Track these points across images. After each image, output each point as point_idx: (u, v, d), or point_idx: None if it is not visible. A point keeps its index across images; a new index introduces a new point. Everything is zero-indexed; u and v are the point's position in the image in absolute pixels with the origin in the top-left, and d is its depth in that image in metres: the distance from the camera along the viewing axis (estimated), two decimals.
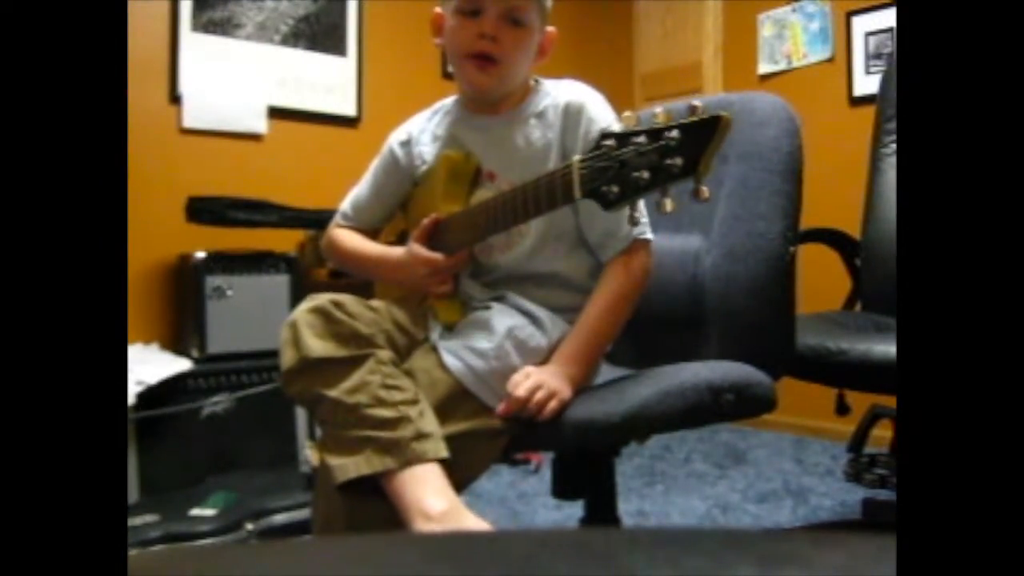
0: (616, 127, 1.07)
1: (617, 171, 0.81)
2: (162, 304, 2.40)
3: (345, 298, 0.98)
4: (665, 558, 0.22)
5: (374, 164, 1.23)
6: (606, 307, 1.03)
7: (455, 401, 0.96)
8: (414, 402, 0.93)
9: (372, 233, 1.23)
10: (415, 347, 1.05)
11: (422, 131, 1.18)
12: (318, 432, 2.20)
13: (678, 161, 0.77)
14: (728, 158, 1.19)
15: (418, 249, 1.07)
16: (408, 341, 1.05)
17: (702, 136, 0.77)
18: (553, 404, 0.94)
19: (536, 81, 1.15)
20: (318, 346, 0.94)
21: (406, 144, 1.19)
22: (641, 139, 0.80)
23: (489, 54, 1.04)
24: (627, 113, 0.84)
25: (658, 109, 0.82)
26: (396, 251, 1.13)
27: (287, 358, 0.97)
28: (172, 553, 0.27)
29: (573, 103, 1.07)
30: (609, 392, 0.98)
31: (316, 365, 0.94)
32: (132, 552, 0.29)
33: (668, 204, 0.80)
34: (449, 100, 1.20)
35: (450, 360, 0.97)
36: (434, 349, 1.02)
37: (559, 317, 1.05)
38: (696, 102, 0.78)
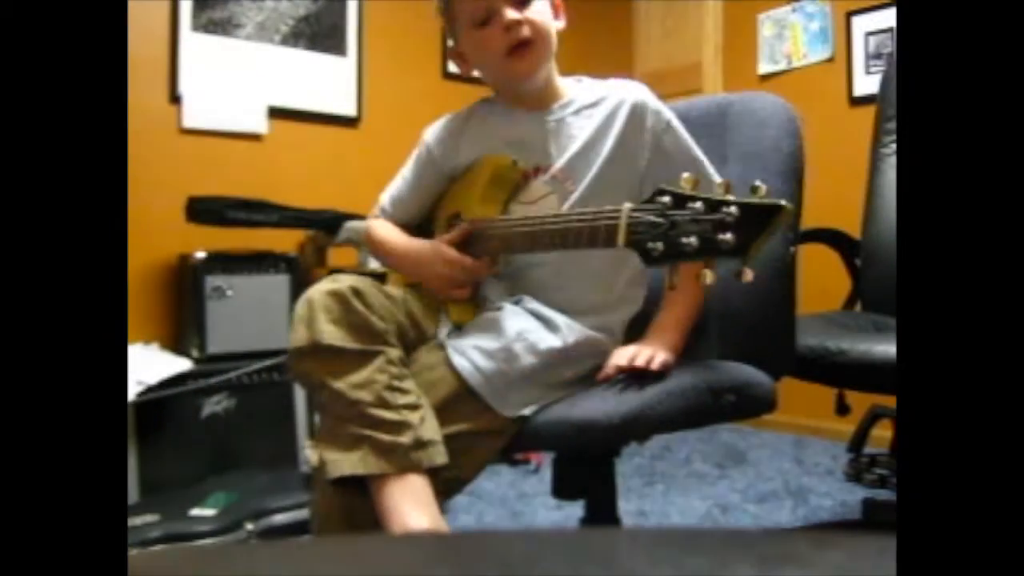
0: (677, 125, 1.09)
1: (665, 230, 0.81)
2: (162, 304, 2.40)
3: (364, 285, 0.97)
4: (665, 558, 0.22)
5: (410, 160, 1.23)
6: (682, 289, 1.07)
7: (457, 400, 0.96)
8: (416, 407, 0.93)
9: (411, 229, 1.23)
10: (423, 342, 1.05)
11: (460, 130, 1.18)
12: (318, 432, 2.20)
13: (730, 239, 0.77)
14: (728, 158, 1.19)
15: (445, 249, 1.07)
16: (418, 334, 1.05)
17: (759, 219, 0.76)
18: (662, 357, 0.98)
19: (579, 81, 1.17)
20: (331, 332, 0.93)
21: (443, 140, 1.18)
22: (698, 205, 0.79)
23: (523, 39, 1.06)
24: (686, 175, 0.83)
25: (718, 179, 0.82)
26: (421, 244, 1.13)
27: (298, 335, 0.96)
28: (172, 553, 0.27)
29: (639, 104, 1.09)
30: (609, 392, 0.98)
31: (325, 351, 0.93)
32: (132, 552, 0.29)
33: (709, 276, 0.80)
34: (485, 100, 1.21)
35: (457, 359, 0.97)
36: (440, 347, 1.01)
37: (579, 322, 1.04)
38: (758, 183, 0.78)
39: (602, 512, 1.14)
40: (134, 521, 1.68)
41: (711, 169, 1.10)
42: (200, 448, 2.02)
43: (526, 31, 1.06)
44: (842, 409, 1.64)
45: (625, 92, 1.11)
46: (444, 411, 0.95)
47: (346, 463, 0.90)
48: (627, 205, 0.85)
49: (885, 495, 2.05)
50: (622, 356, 1.00)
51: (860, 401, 1.88)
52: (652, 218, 0.82)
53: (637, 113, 1.09)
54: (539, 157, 1.10)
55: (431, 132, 1.21)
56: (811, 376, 1.35)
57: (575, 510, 1.19)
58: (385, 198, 1.24)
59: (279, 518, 1.79)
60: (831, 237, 1.77)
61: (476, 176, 1.11)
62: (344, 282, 0.96)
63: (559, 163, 1.09)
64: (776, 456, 2.55)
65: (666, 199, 0.82)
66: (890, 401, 2.17)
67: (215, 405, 2.07)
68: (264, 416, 2.12)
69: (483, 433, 0.96)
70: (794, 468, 2.40)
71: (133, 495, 1.89)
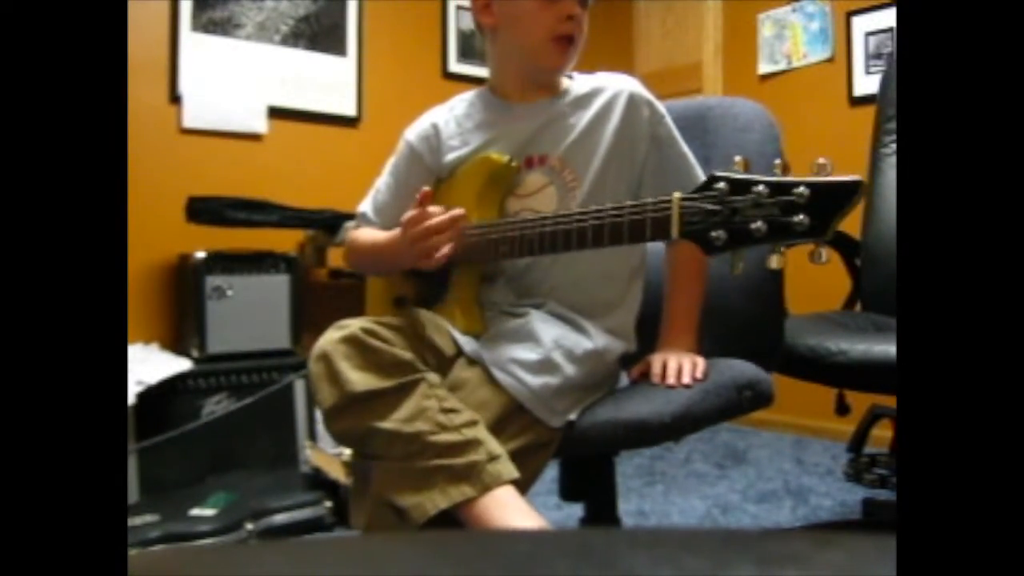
0: (668, 118, 1.09)
1: (726, 217, 0.78)
2: (162, 304, 2.40)
3: (374, 324, 0.92)
4: (665, 558, 0.22)
5: (392, 162, 1.18)
6: (687, 278, 1.09)
7: (507, 418, 0.92)
8: (475, 422, 0.89)
9: None
10: (443, 361, 0.99)
11: (447, 122, 1.14)
12: (318, 432, 2.20)
13: (805, 221, 0.74)
14: (711, 160, 1.20)
15: (408, 214, 0.99)
16: (436, 356, 0.99)
17: (835, 198, 0.74)
18: (701, 365, 1.01)
19: (570, 76, 1.16)
20: (360, 379, 0.88)
21: (430, 137, 1.14)
22: (760, 188, 0.76)
23: (572, 35, 1.07)
24: (738, 158, 0.81)
25: (777, 160, 0.79)
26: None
27: (326, 395, 0.90)
28: (172, 553, 0.27)
29: (636, 95, 1.10)
30: (652, 393, 0.99)
31: (361, 400, 0.88)
32: (132, 552, 0.29)
33: (776, 261, 0.78)
34: (469, 93, 1.18)
35: (502, 377, 0.93)
36: (471, 362, 0.97)
37: (599, 326, 1.03)
38: (822, 159, 0.75)
39: (602, 512, 1.15)
40: (134, 521, 1.69)
41: (695, 162, 1.10)
42: (200, 448, 2.02)
43: (577, 30, 1.07)
44: (842, 409, 1.64)
45: (621, 84, 1.11)
46: (497, 430, 0.91)
47: (427, 503, 0.85)
48: (676, 195, 0.83)
49: (885, 495, 2.05)
50: (671, 373, 1.00)
51: (860, 401, 1.88)
52: (709, 206, 0.79)
53: (635, 104, 1.08)
54: (534, 147, 1.08)
55: (412, 130, 1.17)
56: (811, 376, 1.35)
57: (575, 510, 1.19)
58: (366, 207, 1.18)
59: (279, 518, 1.79)
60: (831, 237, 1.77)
61: (471, 177, 1.07)
62: (353, 325, 0.91)
63: (556, 152, 1.06)
64: (776, 456, 2.55)
65: (722, 185, 0.79)
66: (890, 401, 2.17)
67: (215, 405, 2.07)
68: (264, 416, 2.12)
69: (535, 446, 0.93)
70: (794, 468, 2.40)
71: (133, 495, 1.89)
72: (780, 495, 2.13)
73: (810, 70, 2.89)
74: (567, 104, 1.10)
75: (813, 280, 1.83)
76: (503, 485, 0.85)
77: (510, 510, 0.84)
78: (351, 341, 0.90)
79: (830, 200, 0.74)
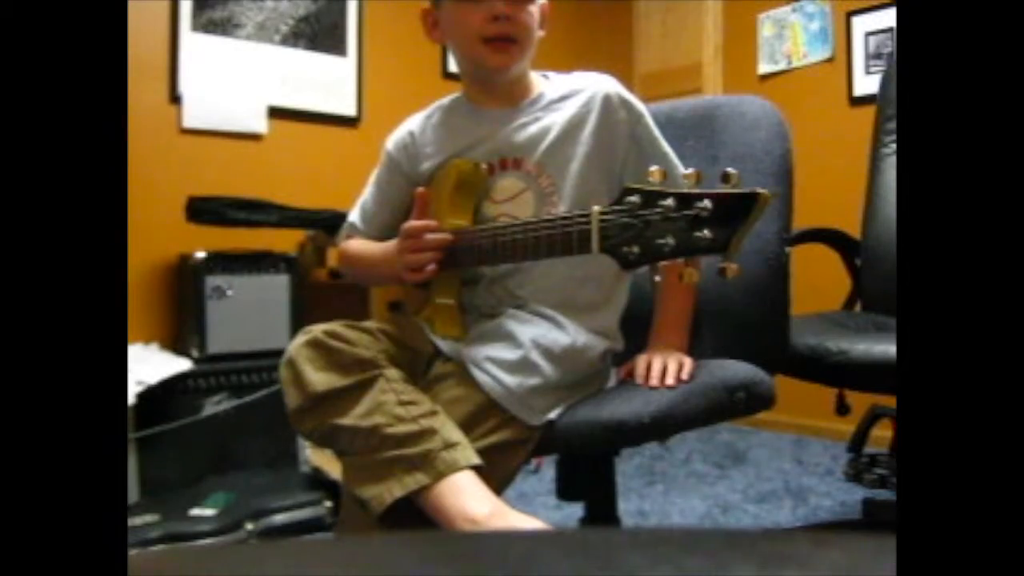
0: (648, 116, 1.07)
1: (639, 231, 0.77)
2: (162, 304, 2.40)
3: (337, 327, 0.95)
4: (665, 558, 0.22)
5: (376, 172, 1.19)
6: (685, 296, 1.07)
7: (482, 414, 0.93)
8: (433, 413, 0.90)
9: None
10: (419, 361, 1.01)
11: (423, 130, 1.15)
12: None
13: (707, 235, 0.72)
14: (718, 159, 1.20)
15: (404, 225, 1.01)
16: (411, 356, 1.01)
17: (736, 211, 0.72)
18: (688, 365, 0.99)
19: (546, 77, 1.14)
20: (321, 379, 0.91)
21: (407, 146, 1.15)
22: (669, 202, 0.75)
23: (506, 35, 1.02)
24: (653, 168, 0.78)
25: (689, 170, 0.78)
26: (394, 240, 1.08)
27: (291, 398, 0.94)
28: (172, 553, 0.27)
29: (612, 95, 1.07)
30: (634, 393, 0.99)
31: (323, 399, 0.91)
32: (132, 552, 0.29)
33: (694, 275, 0.77)
34: (447, 99, 1.18)
35: (479, 374, 0.94)
36: (448, 360, 0.99)
37: (580, 326, 1.03)
38: (730, 170, 0.73)
39: (602, 512, 1.14)
40: (134, 521, 1.68)
41: (677, 161, 1.09)
42: (200, 448, 2.02)
43: (512, 30, 1.02)
44: (842, 409, 1.64)
45: (597, 84, 1.08)
46: (470, 426, 0.92)
47: (385, 493, 0.87)
48: (595, 208, 0.81)
49: (885, 495, 2.05)
50: (655, 374, 0.99)
51: (860, 401, 1.88)
52: (625, 220, 0.78)
53: (611, 104, 1.06)
54: (508, 151, 1.07)
55: (391, 139, 1.18)
56: (811, 376, 1.35)
57: (575, 510, 1.19)
58: (354, 216, 1.19)
59: (279, 518, 1.79)
60: (831, 237, 1.77)
61: (442, 185, 1.07)
62: (316, 329, 0.94)
63: (532, 158, 1.05)
64: (776, 456, 2.55)
65: (635, 198, 0.77)
66: (890, 401, 2.17)
67: (215, 405, 2.07)
68: (264, 416, 2.12)
69: (511, 443, 0.93)
70: (794, 468, 2.40)
71: (133, 495, 1.89)
72: (780, 495, 2.13)
73: (810, 70, 2.89)
74: (540, 108, 1.09)
75: (813, 280, 1.83)
76: (460, 471, 0.86)
77: (465, 495, 0.85)
78: (313, 344, 0.93)
79: (732, 214, 0.72)
